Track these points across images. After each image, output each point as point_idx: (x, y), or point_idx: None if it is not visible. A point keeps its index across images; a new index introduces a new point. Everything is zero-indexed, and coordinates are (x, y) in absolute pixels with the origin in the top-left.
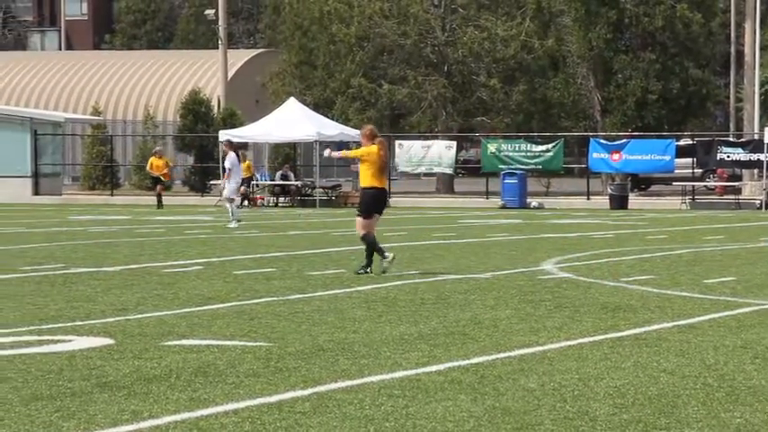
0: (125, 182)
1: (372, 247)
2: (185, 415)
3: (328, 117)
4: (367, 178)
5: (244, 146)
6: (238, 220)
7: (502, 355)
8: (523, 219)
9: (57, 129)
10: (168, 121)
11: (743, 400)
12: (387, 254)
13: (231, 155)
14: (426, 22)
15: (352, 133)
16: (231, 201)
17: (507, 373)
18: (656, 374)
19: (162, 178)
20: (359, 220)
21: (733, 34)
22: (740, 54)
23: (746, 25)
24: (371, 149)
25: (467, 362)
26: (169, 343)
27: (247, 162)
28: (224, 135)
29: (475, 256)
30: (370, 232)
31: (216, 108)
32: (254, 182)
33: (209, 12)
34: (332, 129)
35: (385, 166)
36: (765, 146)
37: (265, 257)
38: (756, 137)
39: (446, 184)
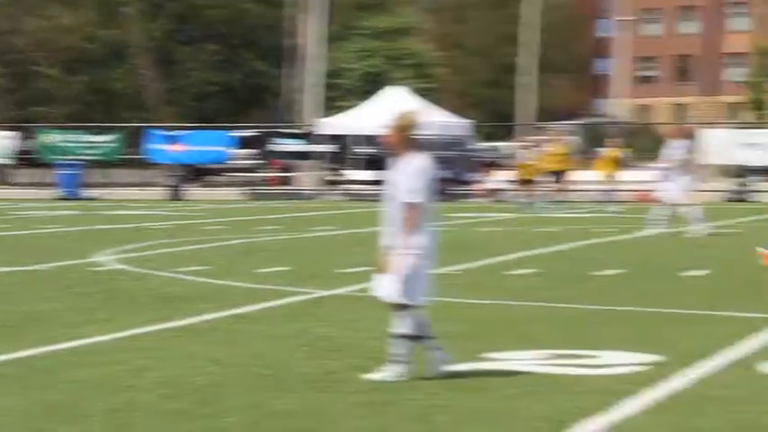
0: None
1: None
2: None
3: None
4: None
5: None
6: None
7: (50, 347)
8: (80, 210)
9: None
10: None
11: (290, 387)
12: None
13: None
14: None
15: None
16: None
17: (55, 366)
18: (205, 364)
19: None
20: None
21: (288, 27)
22: (297, 47)
23: (305, 18)
24: None
25: (13, 356)
26: None
27: None
28: None
29: (28, 247)
30: None
31: None
32: None
33: None
34: None
35: None
36: (326, 137)
37: None
38: (311, 128)
39: (2, 175)
